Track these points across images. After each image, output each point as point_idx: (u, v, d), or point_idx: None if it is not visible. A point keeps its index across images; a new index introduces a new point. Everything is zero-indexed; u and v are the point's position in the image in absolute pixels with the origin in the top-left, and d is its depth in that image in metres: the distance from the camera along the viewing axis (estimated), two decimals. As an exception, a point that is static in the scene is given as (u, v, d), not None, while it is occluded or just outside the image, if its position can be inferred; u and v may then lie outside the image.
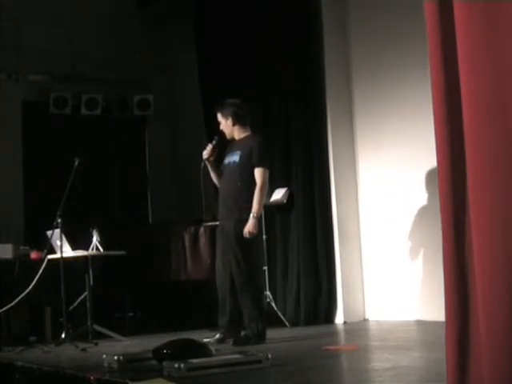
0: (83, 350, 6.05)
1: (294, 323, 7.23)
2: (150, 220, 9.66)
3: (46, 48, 8.84)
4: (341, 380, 4.24)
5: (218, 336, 5.92)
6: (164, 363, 4.34)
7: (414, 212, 7.08)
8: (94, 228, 6.96)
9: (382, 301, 7.36)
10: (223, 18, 8.26)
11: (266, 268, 7.14)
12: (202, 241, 7.60)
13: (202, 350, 4.65)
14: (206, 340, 5.68)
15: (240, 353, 4.68)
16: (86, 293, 6.84)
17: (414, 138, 6.90)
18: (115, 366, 4.67)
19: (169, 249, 7.81)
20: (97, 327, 6.73)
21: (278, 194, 7.28)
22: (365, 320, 7.45)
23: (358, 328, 6.92)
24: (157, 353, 4.63)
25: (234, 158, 6.01)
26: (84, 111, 9.12)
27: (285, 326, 7.07)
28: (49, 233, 6.69)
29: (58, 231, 6.55)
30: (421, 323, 6.72)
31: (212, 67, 8.47)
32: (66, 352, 6.02)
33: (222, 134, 6.15)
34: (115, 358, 4.69)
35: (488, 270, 2.63)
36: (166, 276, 7.80)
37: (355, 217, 7.59)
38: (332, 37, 7.64)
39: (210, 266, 7.11)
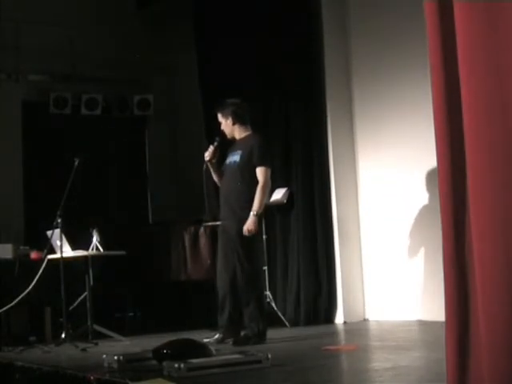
0: (83, 349, 6.05)
1: (294, 323, 7.23)
2: (150, 220, 9.65)
3: (45, 48, 8.83)
4: (341, 380, 4.24)
5: (217, 336, 5.92)
6: (164, 363, 4.34)
7: (414, 212, 7.08)
8: (93, 228, 6.95)
9: (382, 301, 7.35)
10: (223, 17, 8.26)
11: (266, 268, 7.13)
12: (202, 241, 7.60)
13: (201, 350, 4.66)
14: (205, 340, 5.68)
15: (240, 353, 4.68)
16: (86, 293, 6.83)
17: (414, 138, 6.90)
18: (115, 365, 4.67)
19: (169, 249, 7.81)
20: (97, 327, 6.73)
21: (278, 194, 7.28)
22: (365, 320, 7.44)
23: (358, 328, 6.91)
24: (157, 353, 4.63)
25: (234, 157, 6.00)
26: (84, 111, 9.11)
27: (285, 325, 7.07)
28: (49, 233, 6.69)
29: (57, 231, 6.55)
30: (421, 323, 6.71)
31: (212, 67, 8.47)
32: (65, 352, 6.02)
33: (223, 134, 6.15)
34: (115, 357, 4.69)
35: (488, 270, 2.63)
36: (165, 276, 7.80)
37: (355, 217, 7.59)
38: (332, 37, 7.64)
39: (210, 266, 7.11)
